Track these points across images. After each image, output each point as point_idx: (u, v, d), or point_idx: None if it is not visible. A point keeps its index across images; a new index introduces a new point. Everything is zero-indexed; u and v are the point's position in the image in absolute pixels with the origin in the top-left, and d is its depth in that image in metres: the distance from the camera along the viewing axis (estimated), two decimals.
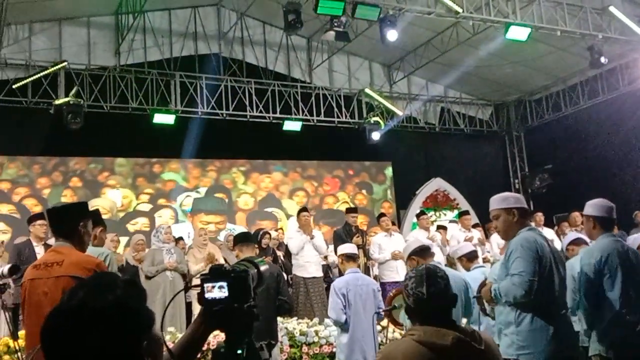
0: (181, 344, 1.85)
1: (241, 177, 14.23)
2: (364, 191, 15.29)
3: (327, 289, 9.01)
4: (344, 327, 5.57)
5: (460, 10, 10.70)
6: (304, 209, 9.32)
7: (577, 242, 5.90)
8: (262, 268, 1.98)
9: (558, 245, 10.32)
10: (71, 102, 11.13)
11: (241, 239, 5.69)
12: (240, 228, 12.97)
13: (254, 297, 1.88)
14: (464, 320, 5.64)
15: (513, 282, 3.66)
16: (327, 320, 7.32)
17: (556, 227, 11.58)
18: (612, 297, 4.14)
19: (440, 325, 2.39)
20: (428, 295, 2.44)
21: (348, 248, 6.01)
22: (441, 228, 10.65)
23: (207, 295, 1.78)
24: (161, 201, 13.33)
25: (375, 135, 13.87)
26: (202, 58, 13.29)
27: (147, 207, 13.20)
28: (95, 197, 12.61)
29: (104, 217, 12.31)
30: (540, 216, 11.13)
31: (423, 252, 5.18)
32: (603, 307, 4.19)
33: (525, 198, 15.48)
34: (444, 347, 2.31)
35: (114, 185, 13.01)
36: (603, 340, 4.18)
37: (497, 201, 3.99)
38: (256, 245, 5.80)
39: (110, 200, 12.86)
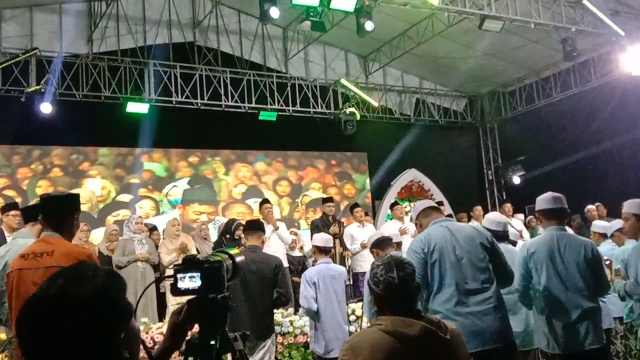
0: (160, 350, 1.84)
1: (222, 167, 14.19)
2: (347, 181, 15.40)
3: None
4: (315, 316, 5.59)
5: (435, 2, 10.72)
6: (265, 201, 9.41)
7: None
8: (238, 259, 1.97)
9: (526, 235, 10.53)
10: (42, 90, 10.97)
11: (249, 227, 5.59)
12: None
13: (228, 287, 1.87)
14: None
15: None
16: (301, 310, 7.34)
17: (529, 217, 11.75)
18: (539, 289, 4.22)
19: (407, 314, 2.40)
20: (399, 280, 2.45)
21: (320, 241, 5.95)
22: None
23: (180, 285, 1.77)
24: (142, 191, 13.21)
25: (351, 126, 13.90)
26: (177, 46, 13.15)
27: (127, 198, 13.03)
28: (75, 188, 12.48)
29: (82, 207, 12.32)
30: (509, 207, 11.31)
31: (381, 243, 5.30)
32: (533, 299, 4.31)
33: (498, 189, 15.57)
34: (411, 337, 2.31)
35: (94, 175, 12.85)
36: (537, 333, 4.32)
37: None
38: (263, 234, 5.68)
39: (89, 190, 12.70)
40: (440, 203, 11.50)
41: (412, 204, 14.37)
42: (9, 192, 11.88)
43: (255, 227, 5.52)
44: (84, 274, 1.37)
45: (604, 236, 6.14)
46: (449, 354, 2.37)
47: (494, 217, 5.38)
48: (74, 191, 12.03)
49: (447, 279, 3.76)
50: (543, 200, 4.41)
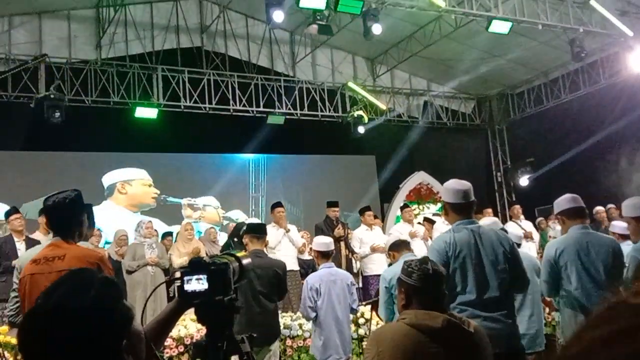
0: (152, 325, 1.86)
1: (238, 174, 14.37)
2: (358, 188, 15.43)
3: None
4: (314, 322, 5.55)
5: (442, 4, 10.71)
6: (278, 204, 9.18)
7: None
8: (244, 262, 1.97)
9: (536, 237, 10.50)
10: (52, 96, 11.03)
11: (253, 230, 5.36)
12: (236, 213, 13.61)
13: (236, 290, 1.88)
14: None
15: None
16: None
17: (539, 219, 11.70)
18: (570, 288, 4.21)
19: (434, 308, 2.49)
20: (433, 272, 2.57)
21: (320, 245, 5.79)
22: (428, 221, 10.60)
23: (187, 287, 1.77)
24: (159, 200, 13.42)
25: (360, 129, 13.90)
26: (185, 51, 13.21)
27: (146, 207, 13.29)
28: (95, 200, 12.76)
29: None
30: (518, 208, 11.22)
31: (396, 246, 5.35)
32: (563, 298, 4.29)
33: (507, 191, 15.46)
34: (434, 329, 2.39)
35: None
36: (566, 332, 4.31)
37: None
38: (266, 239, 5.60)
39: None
40: None
41: (420, 207, 14.37)
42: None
43: (259, 231, 5.41)
44: (80, 285, 1.38)
45: (623, 237, 6.07)
46: (472, 347, 2.45)
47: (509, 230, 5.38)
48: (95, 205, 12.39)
49: (469, 285, 3.70)
50: (563, 201, 4.43)
